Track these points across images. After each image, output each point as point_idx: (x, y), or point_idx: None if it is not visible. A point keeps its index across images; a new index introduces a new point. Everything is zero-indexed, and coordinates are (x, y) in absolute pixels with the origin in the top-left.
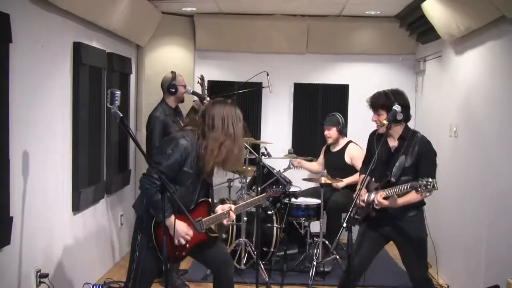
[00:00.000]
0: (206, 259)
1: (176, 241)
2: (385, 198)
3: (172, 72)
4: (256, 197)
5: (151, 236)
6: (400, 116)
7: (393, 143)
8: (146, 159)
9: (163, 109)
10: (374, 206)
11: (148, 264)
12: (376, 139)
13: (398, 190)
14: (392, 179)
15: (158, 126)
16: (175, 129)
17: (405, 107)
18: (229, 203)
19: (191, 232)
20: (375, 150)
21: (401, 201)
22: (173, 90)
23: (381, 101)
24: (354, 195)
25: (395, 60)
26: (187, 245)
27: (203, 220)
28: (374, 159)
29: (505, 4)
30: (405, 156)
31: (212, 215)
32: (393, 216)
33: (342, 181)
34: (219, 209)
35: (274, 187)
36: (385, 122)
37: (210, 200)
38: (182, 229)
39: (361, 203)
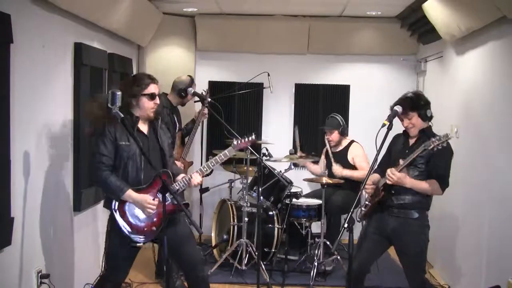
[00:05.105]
0: (181, 258)
1: (146, 214)
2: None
3: (189, 76)
4: (223, 151)
5: (111, 221)
6: (429, 113)
7: (413, 138)
8: (146, 159)
9: (161, 101)
10: (387, 180)
11: (116, 251)
12: (396, 140)
13: (412, 157)
14: (400, 160)
15: None
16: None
17: (429, 105)
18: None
19: (155, 201)
20: (395, 152)
21: (411, 181)
22: (184, 94)
23: (410, 104)
24: (362, 186)
25: (396, 61)
26: (155, 219)
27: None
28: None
29: (506, 5)
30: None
31: (175, 183)
32: (396, 215)
33: (342, 181)
34: (179, 177)
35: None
36: (386, 122)
37: (168, 170)
38: (144, 199)
39: (369, 188)
